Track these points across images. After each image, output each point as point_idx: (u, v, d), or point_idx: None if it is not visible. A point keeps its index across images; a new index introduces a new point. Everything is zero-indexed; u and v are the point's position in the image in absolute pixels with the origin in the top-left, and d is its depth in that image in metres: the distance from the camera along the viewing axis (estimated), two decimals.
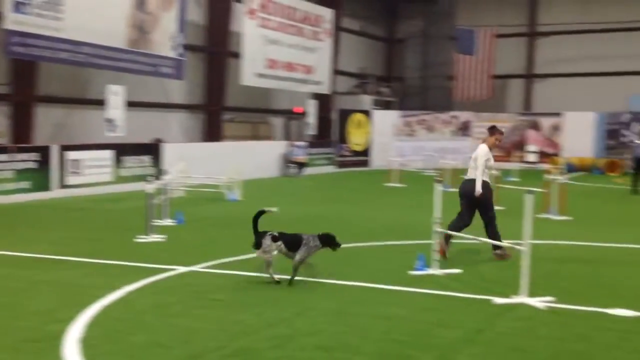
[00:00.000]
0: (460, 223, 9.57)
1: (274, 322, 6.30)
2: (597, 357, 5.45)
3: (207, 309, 6.76)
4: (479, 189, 9.42)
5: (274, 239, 7.74)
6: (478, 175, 9.47)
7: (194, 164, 18.74)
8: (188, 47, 23.31)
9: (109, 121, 18.82)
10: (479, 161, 9.55)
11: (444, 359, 5.40)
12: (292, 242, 7.77)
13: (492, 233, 9.48)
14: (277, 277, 7.76)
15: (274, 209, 8.15)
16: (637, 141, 19.51)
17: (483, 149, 9.73)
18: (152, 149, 20.37)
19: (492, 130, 10.14)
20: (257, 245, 7.73)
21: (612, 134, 30.51)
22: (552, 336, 5.93)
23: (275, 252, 7.77)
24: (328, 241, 7.80)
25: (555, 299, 7.07)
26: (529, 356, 5.45)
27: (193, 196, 17.22)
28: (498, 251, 9.41)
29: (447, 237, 9.25)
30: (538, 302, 6.92)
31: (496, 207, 15.00)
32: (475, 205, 9.59)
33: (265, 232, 7.78)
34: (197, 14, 24.85)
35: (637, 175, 18.92)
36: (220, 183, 17.32)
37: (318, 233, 7.89)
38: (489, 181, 9.70)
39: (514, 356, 5.45)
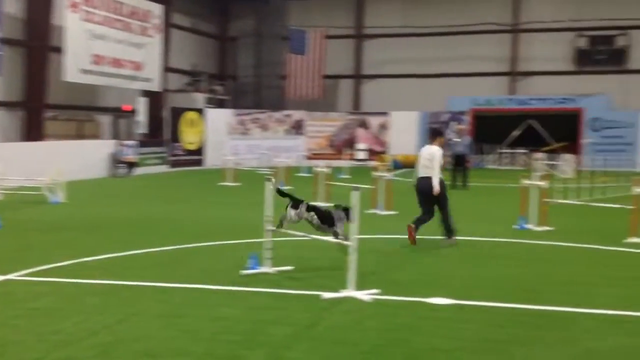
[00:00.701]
0: (426, 217, 10.70)
1: (97, 329, 5.99)
2: (419, 344, 5.69)
3: (24, 319, 6.31)
4: (437, 187, 10.44)
5: (308, 208, 8.56)
6: (435, 174, 10.47)
7: (12, 164, 17.50)
8: (5, 41, 21.73)
9: None
10: (437, 161, 10.53)
11: (274, 356, 5.40)
12: (324, 217, 8.50)
13: (447, 223, 10.61)
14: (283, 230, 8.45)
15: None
16: (455, 139, 20.79)
17: (439, 150, 10.69)
18: None
19: (438, 133, 11.50)
20: (295, 205, 8.52)
21: None
22: (377, 327, 6.13)
23: (301, 219, 8.57)
24: (347, 214, 8.20)
25: (381, 291, 7.32)
26: (355, 348, 5.59)
27: (11, 199, 16.06)
28: (448, 238, 10.58)
29: (417, 226, 10.54)
30: (365, 295, 7.13)
31: (327, 204, 15.44)
32: (432, 199, 10.59)
33: (302, 200, 8.60)
34: (15, 6, 23.24)
35: (456, 171, 20.20)
36: (41, 185, 16.28)
37: (341, 206, 8.48)
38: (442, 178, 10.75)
39: (340, 349, 5.57)
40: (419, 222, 10.66)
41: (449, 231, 10.65)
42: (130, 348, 5.52)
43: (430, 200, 10.67)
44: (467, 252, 10.02)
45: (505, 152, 31.59)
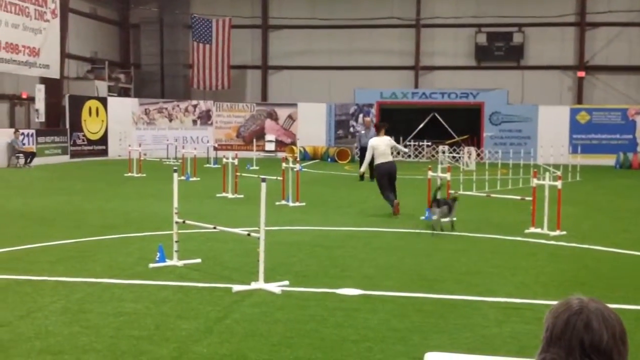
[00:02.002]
0: (393, 194, 12.93)
1: None
2: (328, 335, 5.75)
3: None
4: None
5: (439, 204, 10.96)
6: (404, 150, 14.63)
7: None
8: None
9: None
10: (393, 148, 13.23)
11: (182, 350, 5.32)
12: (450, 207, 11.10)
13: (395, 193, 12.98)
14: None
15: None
16: (362, 131, 21.07)
17: (390, 138, 13.24)
18: None
19: (382, 125, 13.63)
20: (437, 203, 11.00)
21: (341, 124, 32.74)
22: (287, 319, 6.15)
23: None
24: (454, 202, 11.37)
25: (291, 282, 7.35)
26: (264, 340, 5.58)
27: None
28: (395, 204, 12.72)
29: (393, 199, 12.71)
30: (274, 287, 7.13)
31: (235, 196, 15.34)
32: (394, 178, 13.07)
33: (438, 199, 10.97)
34: None
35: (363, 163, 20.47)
36: None
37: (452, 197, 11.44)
38: None
39: (250, 341, 5.55)
40: (391, 198, 12.84)
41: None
42: (31, 345, 5.31)
43: (393, 179, 13.06)
44: (373, 243, 10.19)
45: (411, 145, 32.31)
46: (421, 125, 32.59)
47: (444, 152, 24.72)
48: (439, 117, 32.38)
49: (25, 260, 8.52)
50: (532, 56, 33.45)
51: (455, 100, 32.15)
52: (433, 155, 29.93)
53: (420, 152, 31.63)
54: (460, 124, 32.33)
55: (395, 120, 32.01)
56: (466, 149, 27.12)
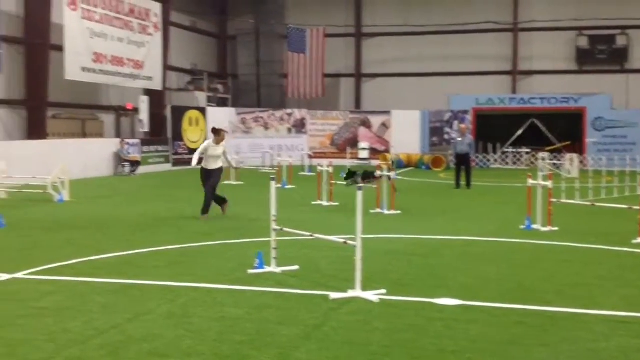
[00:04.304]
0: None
1: (105, 329, 6.01)
2: (427, 345, 5.70)
3: (32, 319, 6.33)
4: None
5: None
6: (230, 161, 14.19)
7: (16, 163, 17.55)
8: (5, 39, 21.76)
9: None
10: (228, 154, 13.68)
11: (283, 356, 5.41)
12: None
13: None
14: None
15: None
16: (458, 138, 20.78)
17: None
18: None
19: (219, 130, 13.56)
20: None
21: (436, 131, 32.41)
22: (385, 328, 6.14)
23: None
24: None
25: (387, 291, 7.34)
26: (363, 348, 5.60)
27: (15, 198, 16.10)
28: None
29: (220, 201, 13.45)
30: (371, 295, 7.14)
31: (330, 203, 15.46)
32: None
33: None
34: (13, 4, 23.28)
35: (459, 170, 20.19)
36: (45, 183, 16.30)
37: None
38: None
39: (348, 349, 5.58)
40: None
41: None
42: (139, 348, 5.53)
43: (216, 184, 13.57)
44: (470, 252, 10.03)
45: (509, 152, 31.59)
46: (520, 132, 31.81)
47: (543, 159, 24.01)
48: (538, 123, 31.50)
49: (133, 264, 8.91)
50: (637, 59, 32.02)
51: (556, 106, 31.20)
52: (532, 163, 29.13)
53: (518, 160, 30.87)
54: (561, 130, 31.35)
55: (493, 126, 31.41)
56: (568, 155, 26.22)
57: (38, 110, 24.08)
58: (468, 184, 19.93)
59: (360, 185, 12.85)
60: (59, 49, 23.58)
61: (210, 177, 13.15)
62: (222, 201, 13.55)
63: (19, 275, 8.16)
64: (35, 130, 23.91)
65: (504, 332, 6.06)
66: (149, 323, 6.22)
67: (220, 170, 13.34)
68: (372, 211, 14.08)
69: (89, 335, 5.84)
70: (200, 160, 13.47)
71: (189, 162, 29.79)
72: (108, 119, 28.57)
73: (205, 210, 13.08)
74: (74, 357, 5.30)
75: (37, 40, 23.75)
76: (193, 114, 30.52)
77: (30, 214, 14.05)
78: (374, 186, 13.95)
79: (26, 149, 20.81)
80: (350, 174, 14.83)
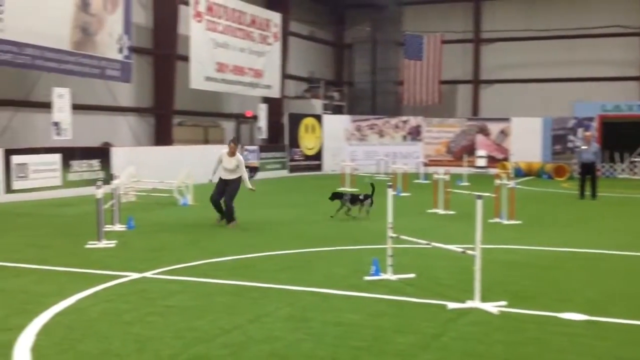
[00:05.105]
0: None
1: (229, 328, 6.22)
2: None
3: (161, 316, 6.64)
4: (251, 185, 13.37)
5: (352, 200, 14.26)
6: (245, 176, 13.32)
7: (144, 168, 18.47)
8: (135, 50, 22.98)
9: (56, 124, 18.39)
10: (243, 166, 13.23)
11: None
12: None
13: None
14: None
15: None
16: (583, 147, 19.96)
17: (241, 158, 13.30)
18: (101, 153, 19.98)
19: (229, 141, 13.48)
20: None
21: (559, 139, 31.24)
22: (506, 340, 5.99)
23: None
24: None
25: (508, 303, 7.15)
26: None
27: (144, 201, 16.95)
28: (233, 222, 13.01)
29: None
30: (491, 306, 6.98)
31: (446, 212, 15.25)
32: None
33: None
34: (143, 17, 24.56)
35: (584, 180, 19.37)
36: (171, 188, 17.08)
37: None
38: None
39: None
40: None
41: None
42: (260, 349, 5.68)
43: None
44: (595, 265, 9.60)
45: (637, 161, 29.98)
46: None
47: None
48: None
49: (253, 267, 9.16)
50: None
51: None
52: None
53: None
54: None
55: (619, 134, 29.91)
56: None
57: (165, 117, 25.29)
58: (593, 194, 19.08)
59: (350, 207, 14.00)
60: (185, 59, 24.65)
61: (227, 186, 13.12)
62: (230, 216, 13.14)
63: (148, 274, 8.59)
64: (162, 136, 25.13)
65: (634, 349, 5.76)
66: (269, 325, 6.38)
67: (238, 180, 13.21)
68: (490, 220, 13.77)
69: (214, 334, 6.06)
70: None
71: (305, 168, 30.71)
72: (228, 126, 29.57)
73: (230, 218, 13.02)
74: (200, 355, 5.52)
75: (165, 51, 24.95)
76: (309, 121, 31.02)
77: (157, 216, 14.75)
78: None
79: (154, 154, 21.87)
80: (337, 195, 14.36)
